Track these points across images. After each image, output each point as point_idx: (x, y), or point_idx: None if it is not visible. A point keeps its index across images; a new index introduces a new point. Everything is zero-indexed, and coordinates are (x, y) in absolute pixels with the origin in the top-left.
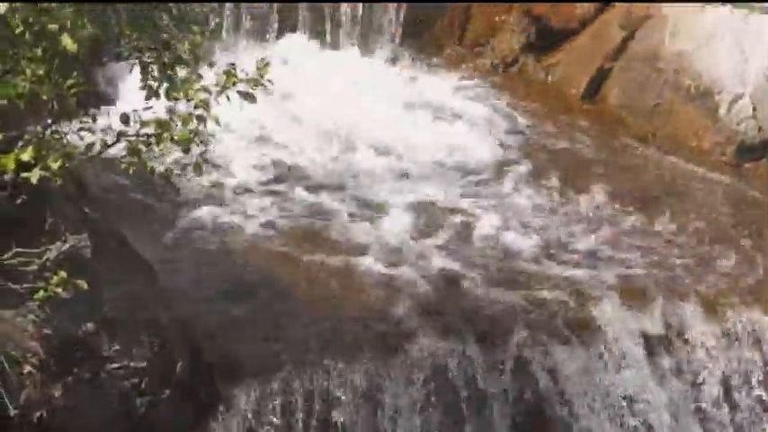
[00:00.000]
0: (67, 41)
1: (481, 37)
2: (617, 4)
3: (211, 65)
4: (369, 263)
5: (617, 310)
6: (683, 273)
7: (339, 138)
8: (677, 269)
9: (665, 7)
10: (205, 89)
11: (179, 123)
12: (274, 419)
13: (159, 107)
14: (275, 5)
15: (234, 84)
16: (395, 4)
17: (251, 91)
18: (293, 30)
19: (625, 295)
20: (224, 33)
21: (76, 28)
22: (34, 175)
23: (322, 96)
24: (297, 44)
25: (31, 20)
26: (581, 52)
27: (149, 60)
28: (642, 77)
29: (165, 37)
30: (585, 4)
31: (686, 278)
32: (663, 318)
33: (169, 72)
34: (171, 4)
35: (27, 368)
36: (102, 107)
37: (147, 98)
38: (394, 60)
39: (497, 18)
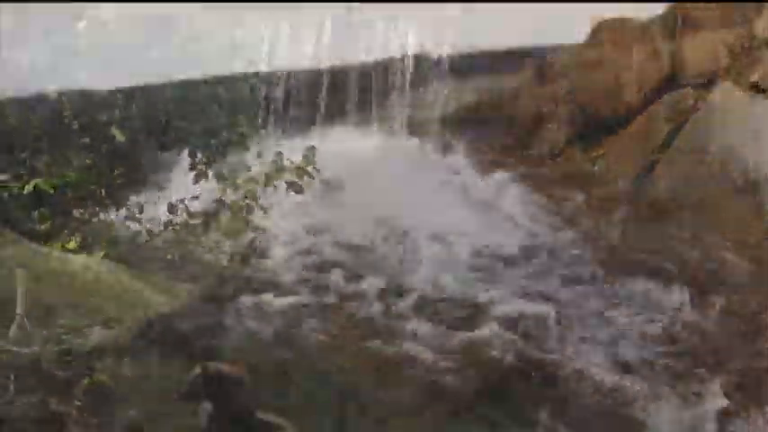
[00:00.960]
0: (116, 132)
1: (528, 126)
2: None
3: (259, 155)
4: (416, 351)
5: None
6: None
7: (385, 225)
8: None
9: (713, 99)
10: (253, 180)
11: (227, 215)
12: None
13: (206, 195)
14: (322, 95)
15: (280, 175)
16: (444, 93)
17: (297, 181)
18: (340, 116)
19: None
20: (271, 121)
21: (124, 120)
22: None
23: (369, 183)
24: (344, 131)
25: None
26: (627, 143)
27: (197, 145)
28: (689, 170)
29: (212, 125)
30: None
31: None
32: None
33: (217, 157)
34: (221, 92)
35: None
36: (148, 194)
37: (196, 182)
38: (442, 148)
39: (544, 108)
